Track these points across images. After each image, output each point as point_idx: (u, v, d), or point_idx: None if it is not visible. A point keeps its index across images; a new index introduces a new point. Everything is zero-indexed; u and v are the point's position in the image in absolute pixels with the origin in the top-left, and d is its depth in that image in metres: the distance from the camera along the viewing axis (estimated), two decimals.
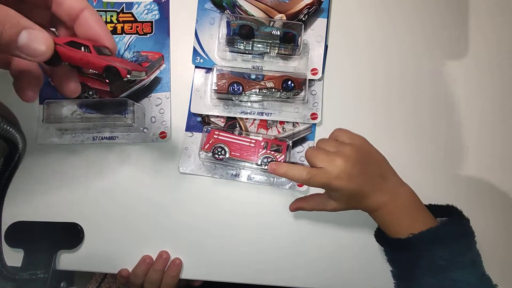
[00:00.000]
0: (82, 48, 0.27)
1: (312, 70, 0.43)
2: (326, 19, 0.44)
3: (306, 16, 0.43)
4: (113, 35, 0.43)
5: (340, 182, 0.34)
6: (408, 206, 0.36)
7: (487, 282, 0.34)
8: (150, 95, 0.43)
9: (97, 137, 0.42)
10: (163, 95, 0.43)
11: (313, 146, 0.42)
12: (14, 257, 0.40)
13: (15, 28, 0.23)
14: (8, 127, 0.29)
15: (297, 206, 0.39)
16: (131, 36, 0.43)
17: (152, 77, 0.43)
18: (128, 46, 0.43)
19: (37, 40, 0.24)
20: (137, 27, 0.43)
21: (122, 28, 0.43)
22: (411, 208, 0.36)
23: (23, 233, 0.41)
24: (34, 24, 0.24)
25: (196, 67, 0.43)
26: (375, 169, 0.36)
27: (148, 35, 0.43)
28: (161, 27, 0.44)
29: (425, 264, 0.34)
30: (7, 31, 0.23)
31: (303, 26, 0.41)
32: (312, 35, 0.43)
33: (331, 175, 0.34)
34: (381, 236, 0.38)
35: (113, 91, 0.42)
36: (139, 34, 0.43)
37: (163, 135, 0.42)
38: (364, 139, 0.37)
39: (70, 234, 0.42)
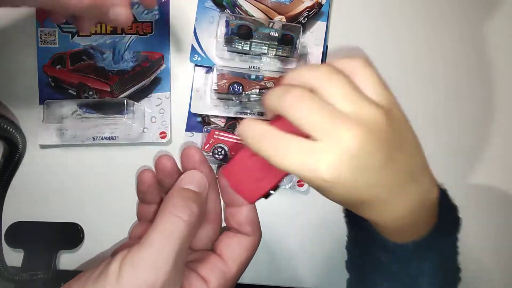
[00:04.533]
0: None
1: None
2: (325, 23, 0.44)
3: (306, 19, 0.43)
4: (113, 35, 0.43)
5: (338, 181, 0.21)
6: (430, 215, 0.26)
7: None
8: (150, 95, 0.43)
9: (97, 137, 0.42)
10: (163, 95, 0.43)
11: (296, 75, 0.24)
12: (14, 257, 0.40)
13: None
14: (8, 127, 0.29)
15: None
16: (131, 36, 0.43)
17: (152, 77, 0.43)
18: (128, 46, 0.43)
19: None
20: (137, 27, 0.43)
21: (122, 28, 0.43)
22: (429, 213, 0.26)
23: (23, 233, 0.41)
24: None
25: (195, 65, 0.43)
26: (405, 160, 0.23)
27: (148, 35, 0.43)
28: (161, 27, 0.44)
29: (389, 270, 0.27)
30: None
31: (301, 28, 0.41)
32: (311, 38, 0.43)
33: (326, 163, 0.20)
34: (352, 215, 0.29)
35: (113, 91, 0.42)
36: (139, 34, 0.43)
37: (163, 135, 0.42)
38: (395, 99, 0.24)
39: (70, 234, 0.42)
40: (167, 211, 0.24)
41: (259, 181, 0.28)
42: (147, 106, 0.43)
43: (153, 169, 0.29)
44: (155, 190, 0.29)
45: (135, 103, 0.41)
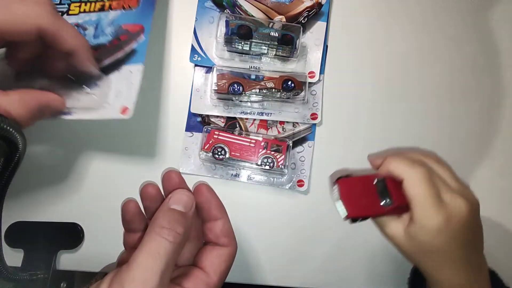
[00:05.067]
0: None
1: (310, 73, 0.43)
2: (325, 23, 0.44)
3: (306, 19, 0.43)
4: (100, 12, 0.42)
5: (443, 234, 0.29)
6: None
7: None
8: (121, 67, 0.39)
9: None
10: (135, 67, 0.39)
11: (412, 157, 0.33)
12: (14, 257, 0.40)
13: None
14: (8, 127, 0.29)
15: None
16: (116, 11, 0.42)
17: (128, 50, 0.40)
18: (112, 21, 0.42)
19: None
20: (124, 2, 0.42)
21: (110, 5, 0.42)
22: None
23: (23, 233, 0.41)
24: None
25: (195, 65, 0.43)
26: (474, 245, 0.31)
27: (134, 9, 0.42)
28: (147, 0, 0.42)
29: None
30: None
31: (301, 28, 0.41)
32: (311, 38, 0.43)
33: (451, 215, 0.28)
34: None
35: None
36: (124, 9, 0.42)
37: (124, 110, 0.38)
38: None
39: (70, 234, 0.42)
40: (154, 232, 0.26)
41: (365, 205, 0.32)
42: (116, 78, 0.39)
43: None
44: (139, 219, 0.31)
45: (102, 74, 0.38)
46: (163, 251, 0.25)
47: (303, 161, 0.43)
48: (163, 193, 0.31)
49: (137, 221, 0.31)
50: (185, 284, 0.28)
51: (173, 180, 0.31)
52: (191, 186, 0.42)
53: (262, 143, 0.41)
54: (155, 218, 0.27)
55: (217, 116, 0.43)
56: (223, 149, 0.41)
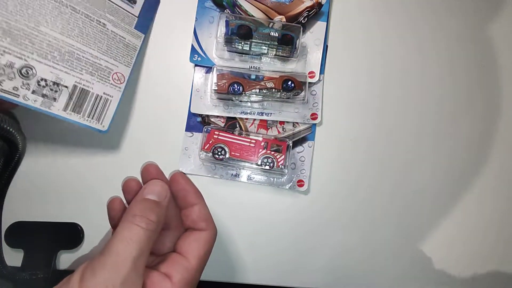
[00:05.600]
0: None
1: (310, 73, 0.43)
2: (325, 23, 0.44)
3: (306, 19, 0.43)
4: None
5: None
6: None
7: None
8: None
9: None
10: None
11: None
12: (14, 257, 0.40)
13: None
14: (8, 127, 0.29)
15: None
16: None
17: None
18: None
19: None
20: None
21: None
22: None
23: (23, 233, 0.41)
24: None
25: (195, 65, 0.43)
26: None
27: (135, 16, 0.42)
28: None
29: None
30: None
31: (301, 28, 0.41)
32: (311, 38, 0.43)
33: None
34: None
35: None
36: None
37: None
38: None
39: (70, 234, 0.42)
40: (127, 220, 0.26)
41: None
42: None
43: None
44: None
45: None
46: (136, 237, 0.25)
47: (303, 161, 0.43)
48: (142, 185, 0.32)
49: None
50: (163, 269, 0.28)
51: (150, 173, 0.31)
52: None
53: (262, 143, 0.41)
54: (129, 208, 0.28)
55: (217, 116, 0.43)
56: (223, 149, 0.41)
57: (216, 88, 0.41)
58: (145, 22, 0.41)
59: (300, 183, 0.43)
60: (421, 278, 0.43)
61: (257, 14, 0.43)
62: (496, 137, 0.45)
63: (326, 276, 0.43)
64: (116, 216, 0.32)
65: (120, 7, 0.39)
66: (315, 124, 0.44)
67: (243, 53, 0.42)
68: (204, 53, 0.43)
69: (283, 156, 0.41)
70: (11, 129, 0.29)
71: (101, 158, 0.43)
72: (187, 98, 0.43)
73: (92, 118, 0.37)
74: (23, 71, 0.33)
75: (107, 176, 0.43)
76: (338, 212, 0.43)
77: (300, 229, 0.43)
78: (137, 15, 0.40)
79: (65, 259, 0.42)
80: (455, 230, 0.44)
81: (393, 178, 0.44)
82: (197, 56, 0.43)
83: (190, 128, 0.43)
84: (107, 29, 0.38)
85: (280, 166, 0.41)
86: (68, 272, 0.42)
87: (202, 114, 0.43)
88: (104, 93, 0.37)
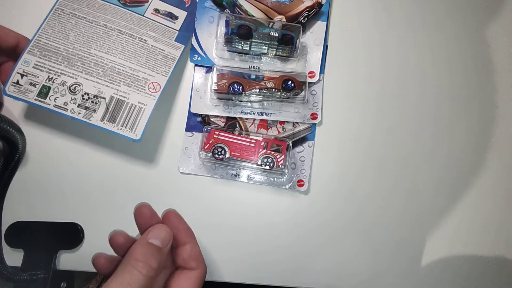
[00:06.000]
0: None
1: (310, 73, 0.43)
2: (325, 23, 0.44)
3: (306, 19, 0.43)
4: None
5: None
6: None
7: None
8: None
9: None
10: None
11: None
12: (14, 257, 0.40)
13: None
14: (8, 127, 0.29)
15: None
16: None
17: None
18: None
19: None
20: None
21: None
22: None
23: (23, 233, 0.41)
24: None
25: (195, 65, 0.43)
26: None
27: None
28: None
29: None
30: None
31: (301, 28, 0.41)
32: (311, 38, 0.43)
33: None
34: None
35: None
36: None
37: None
38: None
39: (70, 234, 0.42)
40: (129, 264, 0.27)
41: None
42: None
43: None
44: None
45: None
46: (135, 283, 0.26)
47: (303, 161, 0.43)
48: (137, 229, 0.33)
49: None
50: None
51: (144, 214, 0.32)
52: (193, 185, 0.42)
53: (262, 143, 0.41)
54: (132, 250, 0.29)
55: (217, 116, 0.43)
56: (223, 149, 0.41)
57: (216, 88, 0.41)
58: (186, 34, 0.43)
59: (300, 183, 0.43)
60: (421, 278, 0.43)
61: (257, 14, 0.43)
62: (496, 137, 0.45)
63: (326, 276, 0.43)
64: (120, 250, 0.32)
65: (162, 24, 0.42)
66: (315, 124, 0.44)
67: (243, 53, 0.42)
68: (204, 53, 0.43)
69: (283, 156, 0.41)
70: (11, 129, 0.29)
71: (101, 157, 0.43)
72: (187, 98, 0.43)
73: (125, 127, 0.38)
74: (72, 87, 0.37)
75: (107, 176, 0.43)
76: (338, 212, 0.43)
77: (300, 229, 0.43)
78: (178, 29, 0.43)
79: (65, 259, 0.42)
80: (455, 230, 0.44)
81: (393, 178, 0.44)
82: (197, 56, 0.43)
83: (190, 128, 0.43)
84: (148, 44, 0.41)
85: (280, 166, 0.41)
86: (68, 272, 0.43)
87: (202, 114, 0.43)
88: (138, 102, 0.39)
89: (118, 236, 0.32)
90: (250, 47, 0.41)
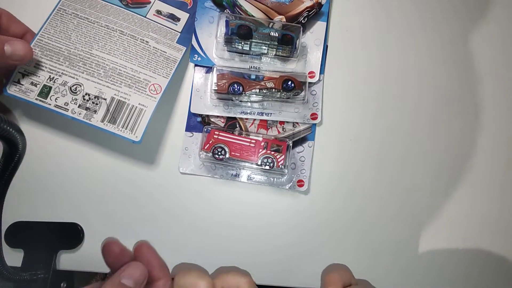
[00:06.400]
0: None
1: (310, 73, 0.43)
2: (325, 23, 0.44)
3: (306, 19, 0.43)
4: None
5: None
6: None
7: None
8: None
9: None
10: None
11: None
12: (14, 257, 0.40)
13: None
14: (8, 127, 0.29)
15: None
16: None
17: None
18: None
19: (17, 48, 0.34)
20: None
21: None
22: None
23: (23, 233, 0.41)
24: (12, 37, 0.34)
25: (195, 65, 0.43)
26: None
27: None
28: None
29: None
30: None
31: (301, 28, 0.41)
32: (311, 38, 0.43)
33: None
34: None
35: None
36: None
37: None
38: None
39: (70, 234, 0.42)
40: None
41: None
42: None
43: None
44: None
45: None
46: None
47: (303, 161, 0.43)
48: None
49: None
50: None
51: (112, 251, 0.31)
52: (193, 185, 0.42)
53: (262, 143, 0.41)
54: None
55: (217, 116, 0.43)
56: (223, 149, 0.41)
57: (216, 88, 0.41)
58: (187, 36, 0.43)
59: (300, 183, 0.43)
60: (420, 277, 0.43)
61: (257, 14, 0.43)
62: (496, 136, 0.45)
63: None
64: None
65: (164, 25, 0.42)
66: (315, 124, 0.44)
67: (243, 53, 0.42)
68: (204, 53, 0.43)
69: (283, 156, 0.41)
70: (11, 129, 0.29)
71: (101, 157, 0.43)
72: (187, 98, 0.43)
73: (125, 129, 0.38)
74: (73, 88, 0.38)
75: (107, 176, 0.43)
76: (338, 212, 0.43)
77: (300, 229, 0.43)
78: (180, 31, 0.43)
79: (65, 259, 0.42)
80: (454, 230, 0.44)
81: (393, 178, 0.44)
82: (197, 56, 0.43)
83: (190, 128, 0.43)
84: (149, 45, 0.41)
85: (280, 166, 0.41)
86: (68, 272, 0.43)
87: (202, 114, 0.43)
88: (139, 104, 0.39)
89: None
90: (250, 47, 0.41)
